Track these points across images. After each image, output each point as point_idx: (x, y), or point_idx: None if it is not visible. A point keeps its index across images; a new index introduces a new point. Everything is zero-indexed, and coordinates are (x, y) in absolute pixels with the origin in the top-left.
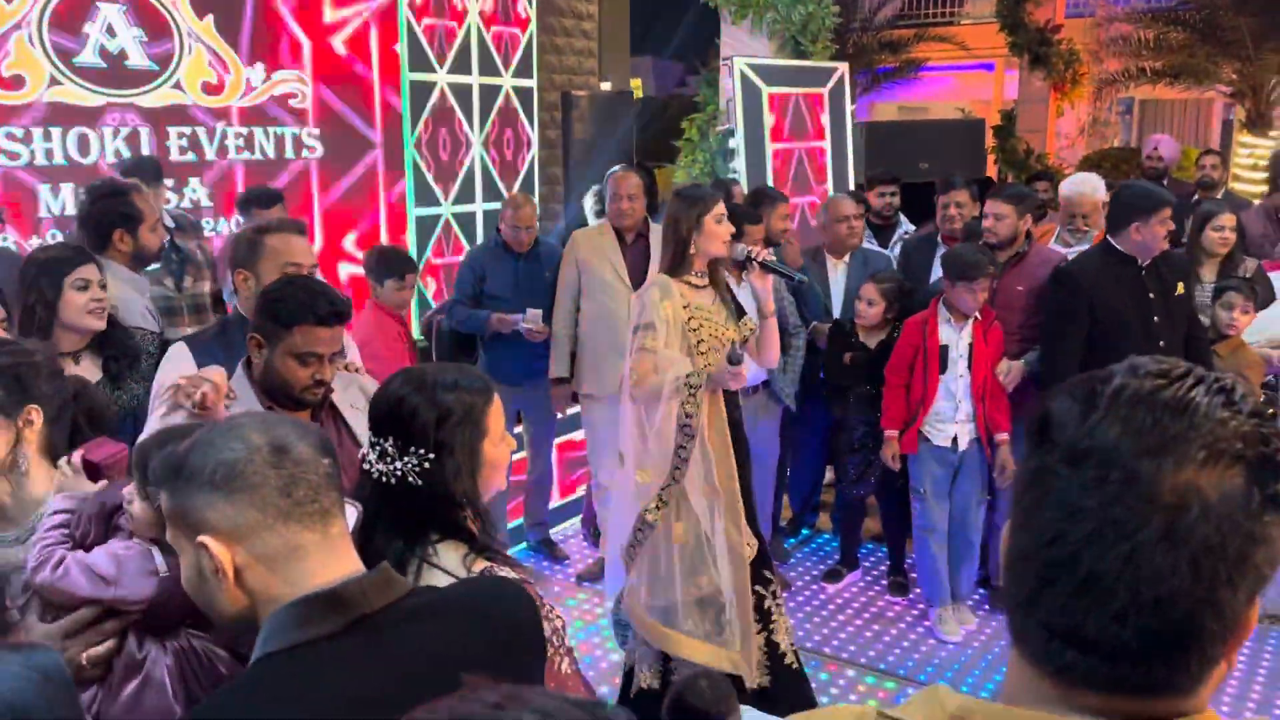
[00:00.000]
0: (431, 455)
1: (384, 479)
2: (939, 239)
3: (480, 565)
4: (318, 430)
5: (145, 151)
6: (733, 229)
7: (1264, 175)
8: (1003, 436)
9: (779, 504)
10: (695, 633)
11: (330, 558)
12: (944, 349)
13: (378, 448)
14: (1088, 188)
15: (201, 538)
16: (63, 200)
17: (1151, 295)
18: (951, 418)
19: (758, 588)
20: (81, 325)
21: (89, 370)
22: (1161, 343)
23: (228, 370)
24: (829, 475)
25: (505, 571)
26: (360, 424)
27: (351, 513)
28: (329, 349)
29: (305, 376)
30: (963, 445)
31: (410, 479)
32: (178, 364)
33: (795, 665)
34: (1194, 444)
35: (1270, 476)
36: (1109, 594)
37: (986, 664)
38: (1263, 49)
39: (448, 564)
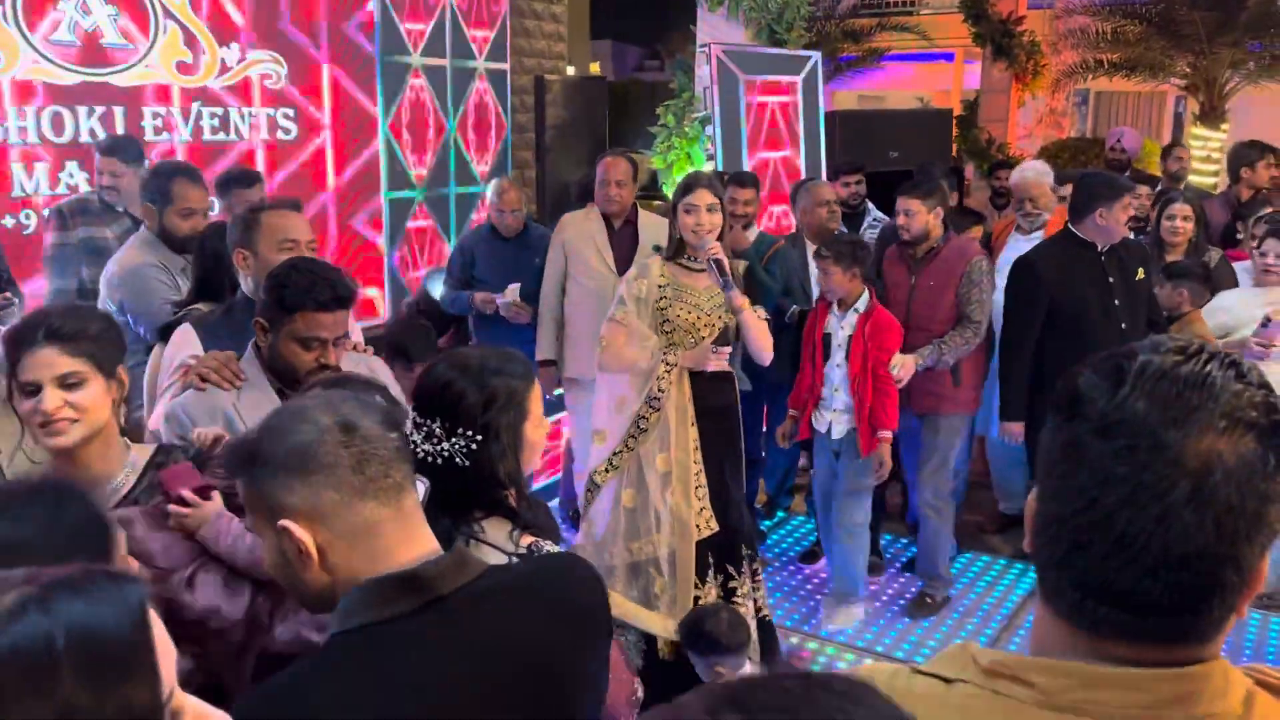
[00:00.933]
0: (479, 437)
1: (429, 459)
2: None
3: (527, 540)
4: (382, 405)
5: (120, 131)
6: (704, 219)
7: (1215, 168)
8: (885, 434)
9: (754, 487)
10: (626, 596)
11: (405, 532)
12: (827, 337)
13: (424, 429)
14: (1032, 174)
15: (283, 522)
16: (36, 180)
17: (1111, 280)
18: (829, 406)
19: (729, 566)
20: None
21: None
22: (1123, 325)
23: (238, 352)
24: (803, 459)
25: (549, 546)
26: None
27: (420, 487)
28: (332, 333)
29: (309, 360)
30: (835, 434)
31: (457, 459)
32: (184, 346)
33: (770, 622)
34: (1214, 413)
35: None
36: (1142, 552)
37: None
38: (1216, 43)
39: (496, 540)
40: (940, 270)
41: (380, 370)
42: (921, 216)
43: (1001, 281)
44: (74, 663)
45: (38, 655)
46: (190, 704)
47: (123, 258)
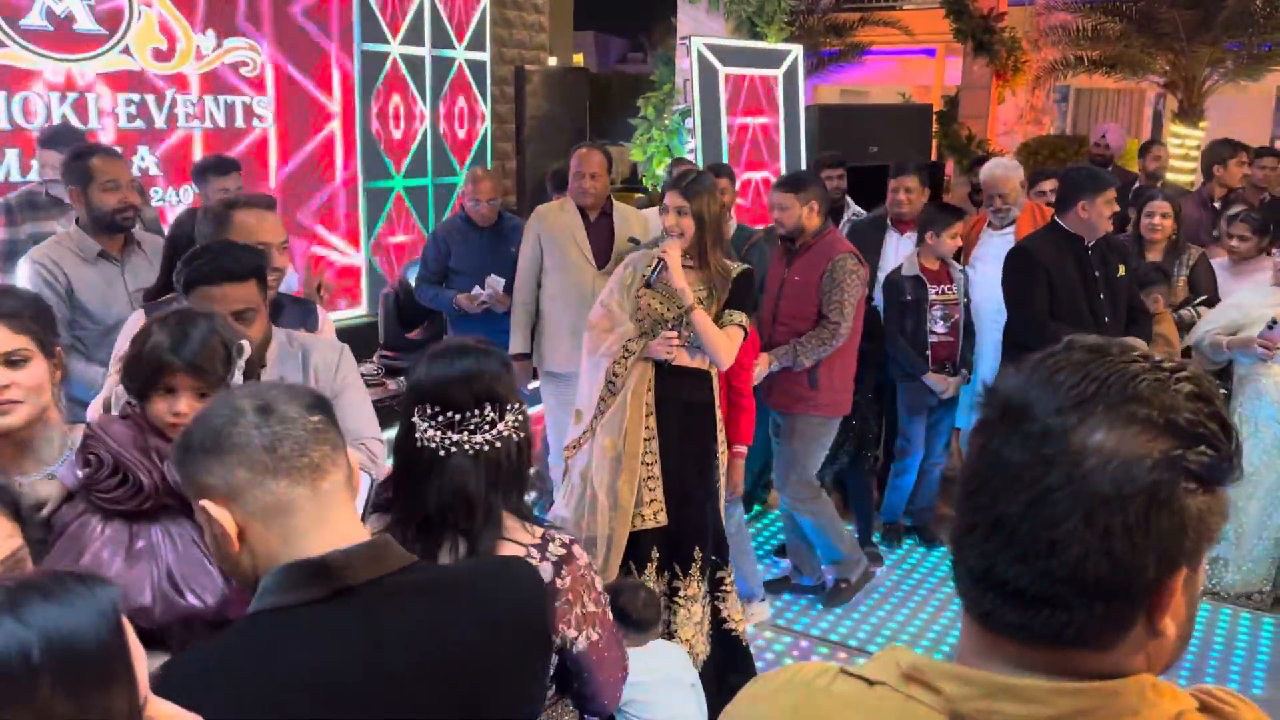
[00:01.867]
0: (522, 408)
1: (486, 447)
2: (887, 222)
3: (539, 531)
4: (311, 390)
5: (94, 118)
6: (672, 221)
7: (1193, 165)
8: (739, 449)
9: None
10: None
11: (320, 514)
12: None
13: (473, 420)
14: (1001, 170)
15: (201, 501)
16: (7, 166)
17: (1096, 274)
18: None
19: (675, 565)
20: None
21: None
22: (1106, 319)
23: None
24: None
25: (561, 536)
26: None
27: (364, 481)
28: (225, 307)
29: None
30: None
31: (514, 437)
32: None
33: (738, 636)
34: (1110, 407)
35: (1185, 447)
36: (1013, 536)
37: (936, 634)
38: (1195, 41)
39: (515, 533)
40: (806, 266)
41: (325, 361)
42: (794, 210)
43: (974, 275)
44: (52, 672)
45: (14, 666)
46: (164, 710)
47: (34, 249)
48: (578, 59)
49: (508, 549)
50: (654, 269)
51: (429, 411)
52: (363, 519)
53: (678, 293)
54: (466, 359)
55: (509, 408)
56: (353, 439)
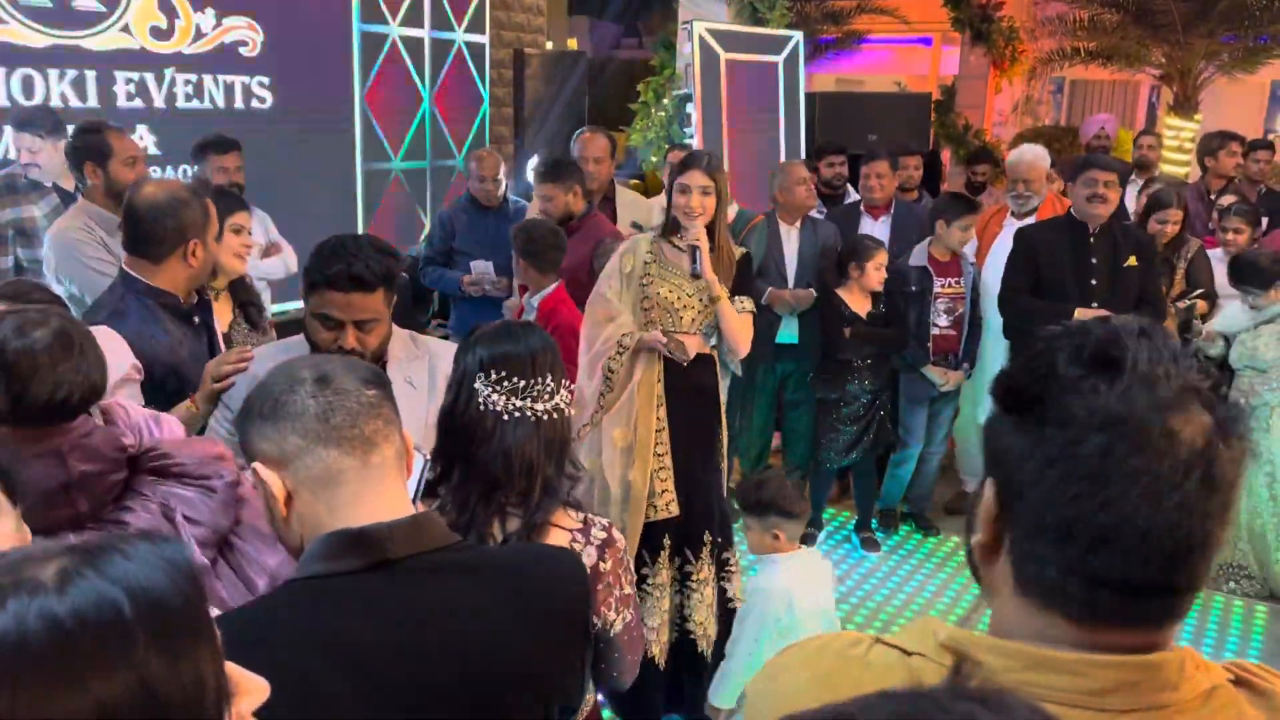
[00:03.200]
0: (570, 386)
1: (545, 416)
2: (860, 209)
3: (579, 515)
4: (370, 366)
5: (92, 97)
6: (696, 202)
7: (1187, 157)
8: None
9: (729, 467)
10: None
11: (369, 487)
12: None
13: (535, 389)
14: (1030, 155)
15: (255, 463)
16: (5, 143)
17: (1094, 260)
18: None
19: (687, 550)
20: (230, 268)
21: (222, 312)
22: (1095, 304)
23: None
24: (777, 440)
25: (601, 520)
26: (415, 401)
27: (418, 460)
28: (348, 315)
29: (328, 340)
30: None
31: (567, 411)
32: (115, 353)
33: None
34: (1181, 392)
35: (1219, 418)
36: (1161, 540)
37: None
38: (1191, 33)
39: (558, 517)
40: (574, 248)
41: (440, 352)
42: (560, 199)
43: (996, 263)
44: (146, 628)
45: (108, 624)
46: (232, 671)
47: (51, 227)
48: (571, 44)
49: (554, 534)
50: (696, 261)
51: (493, 378)
52: (414, 500)
53: (707, 283)
54: (529, 335)
55: (563, 383)
56: None
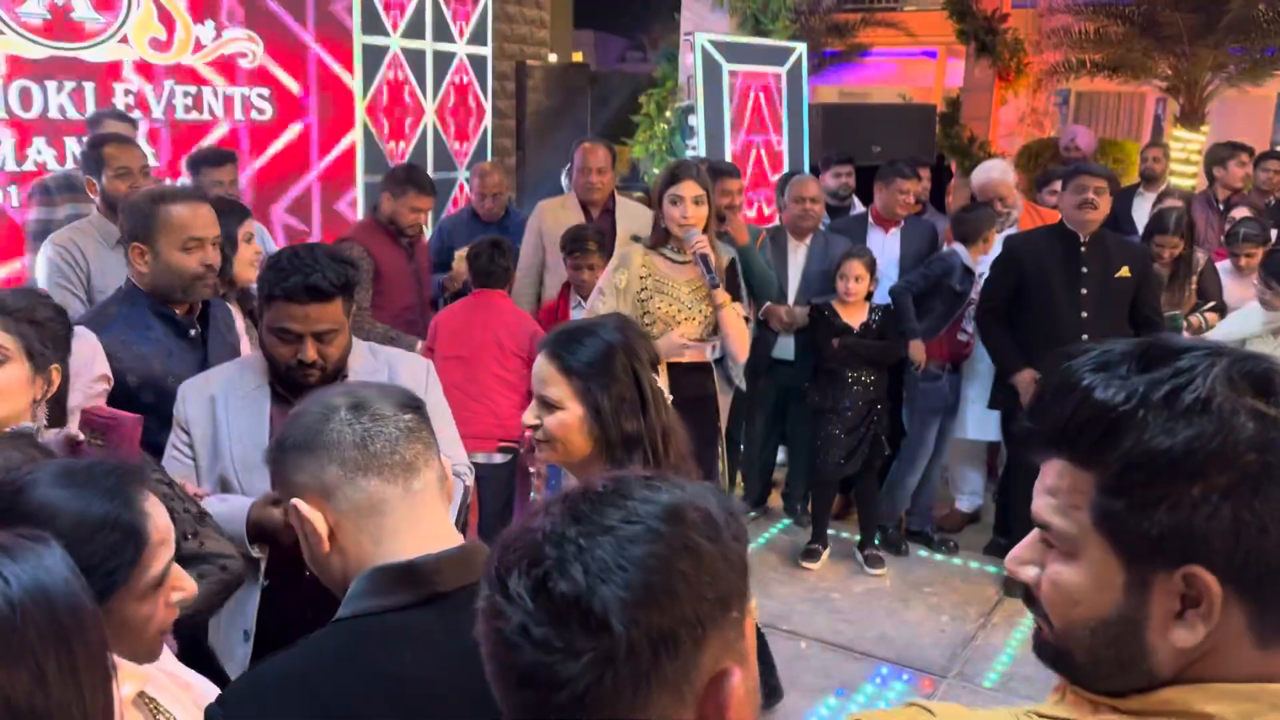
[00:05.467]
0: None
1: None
2: (869, 221)
3: None
4: (404, 390)
5: (90, 109)
6: (690, 212)
7: (1194, 169)
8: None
9: (733, 480)
10: None
11: (414, 515)
12: None
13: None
14: (997, 174)
15: (293, 500)
16: (3, 155)
17: (1085, 271)
18: None
19: None
20: (243, 277)
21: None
22: (1084, 314)
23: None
24: (782, 454)
25: None
26: None
27: (458, 488)
28: (307, 327)
29: (286, 354)
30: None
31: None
32: (90, 356)
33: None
34: None
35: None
36: None
37: (934, 637)
38: (1197, 45)
39: None
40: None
41: (399, 362)
42: (401, 211)
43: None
44: (36, 623)
45: (2, 618)
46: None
47: (49, 238)
48: (577, 57)
49: None
50: (709, 268)
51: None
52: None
53: (713, 292)
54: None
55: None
56: None
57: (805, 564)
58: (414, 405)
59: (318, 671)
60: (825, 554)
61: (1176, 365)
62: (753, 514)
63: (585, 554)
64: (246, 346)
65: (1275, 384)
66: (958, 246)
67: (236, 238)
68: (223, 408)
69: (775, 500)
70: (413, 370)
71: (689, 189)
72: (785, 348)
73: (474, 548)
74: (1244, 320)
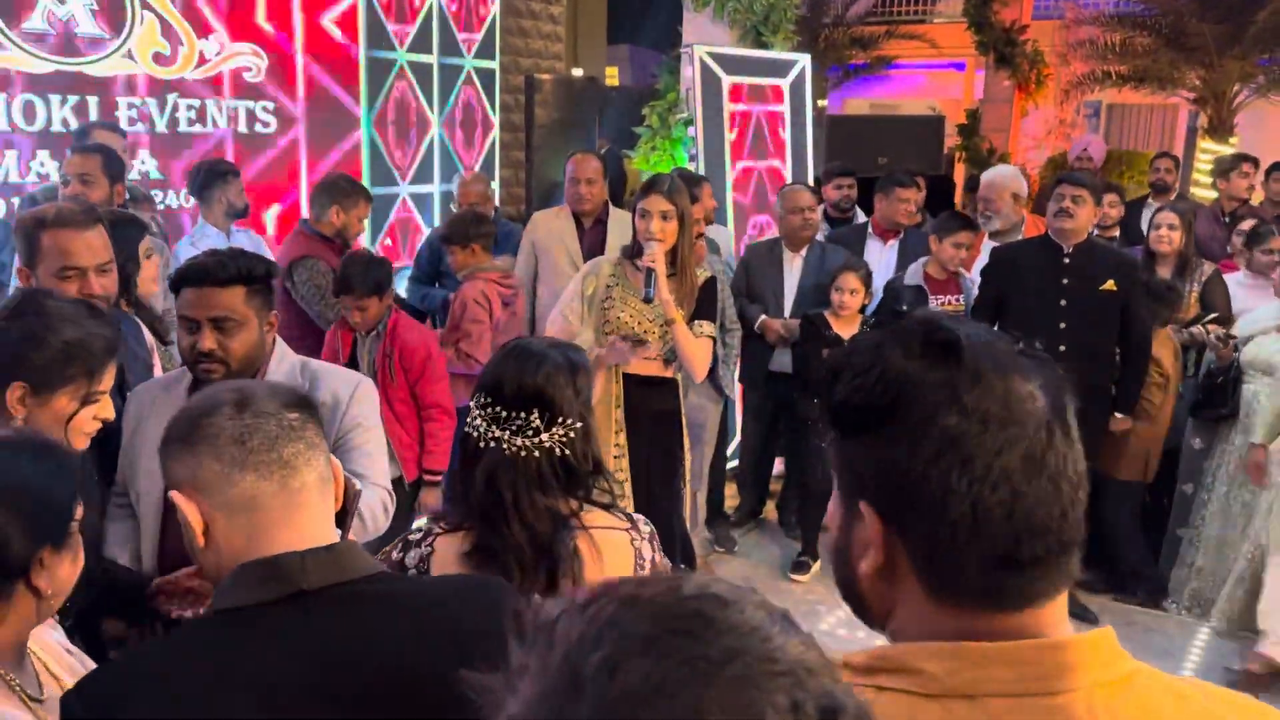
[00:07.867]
0: (579, 424)
1: (522, 453)
2: (869, 232)
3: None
4: (295, 389)
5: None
6: (655, 226)
7: None
8: (434, 477)
9: (721, 494)
10: None
11: (290, 514)
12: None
13: (514, 423)
14: (999, 178)
15: (171, 492)
16: (5, 168)
17: (1066, 281)
18: None
19: None
20: (145, 292)
21: None
22: (1063, 324)
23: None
24: (779, 466)
25: (645, 524)
26: None
27: (366, 495)
28: (202, 312)
29: (187, 346)
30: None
31: (557, 449)
32: None
33: None
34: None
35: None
36: (1030, 514)
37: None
38: (1224, 56)
39: (606, 521)
40: None
41: (325, 381)
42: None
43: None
44: None
45: None
46: None
47: None
48: (611, 72)
49: (611, 535)
50: (650, 284)
51: (482, 401)
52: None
53: (661, 304)
54: (532, 361)
55: (560, 420)
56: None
57: (794, 576)
58: (302, 405)
59: (181, 664)
60: (816, 566)
61: (874, 339)
62: (747, 526)
63: None
64: (158, 365)
65: (953, 347)
66: (913, 265)
67: (138, 255)
68: (148, 404)
69: (771, 512)
70: (333, 389)
71: (655, 203)
72: (782, 361)
73: (346, 546)
74: (1260, 316)
